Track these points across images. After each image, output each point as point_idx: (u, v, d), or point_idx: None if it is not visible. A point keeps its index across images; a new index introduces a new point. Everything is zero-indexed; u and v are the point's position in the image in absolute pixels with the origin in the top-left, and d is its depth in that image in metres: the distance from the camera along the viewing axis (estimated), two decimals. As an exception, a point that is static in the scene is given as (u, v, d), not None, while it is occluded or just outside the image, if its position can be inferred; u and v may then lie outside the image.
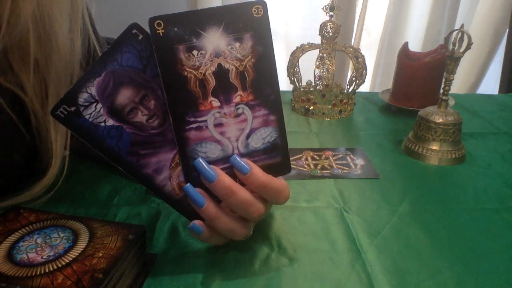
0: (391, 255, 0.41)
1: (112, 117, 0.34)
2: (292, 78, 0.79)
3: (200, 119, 0.35)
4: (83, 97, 0.33)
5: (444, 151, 0.61)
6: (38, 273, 0.31)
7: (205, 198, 0.35)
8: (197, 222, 0.36)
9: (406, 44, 0.82)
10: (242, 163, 0.35)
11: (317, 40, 0.78)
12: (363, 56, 0.76)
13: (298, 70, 0.78)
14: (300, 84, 0.79)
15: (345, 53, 0.76)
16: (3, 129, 0.43)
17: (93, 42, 0.49)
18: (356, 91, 0.78)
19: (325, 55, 0.76)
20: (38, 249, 0.33)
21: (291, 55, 0.79)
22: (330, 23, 0.75)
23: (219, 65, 0.34)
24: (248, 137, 0.36)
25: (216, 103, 0.35)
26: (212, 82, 0.35)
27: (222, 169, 0.36)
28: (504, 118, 0.80)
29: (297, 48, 0.79)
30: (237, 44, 0.35)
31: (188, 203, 0.36)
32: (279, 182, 0.37)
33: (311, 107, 0.79)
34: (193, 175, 0.36)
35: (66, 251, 0.33)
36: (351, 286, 0.38)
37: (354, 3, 1.57)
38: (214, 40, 0.34)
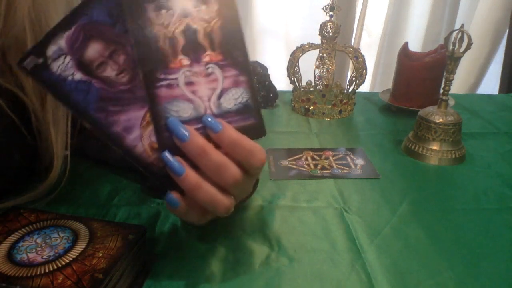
0: (391, 255, 0.41)
1: (81, 70, 0.34)
2: (292, 78, 0.79)
3: (170, 76, 0.35)
4: (52, 50, 0.33)
5: (444, 151, 0.61)
6: (38, 273, 0.31)
7: (184, 167, 0.34)
8: (173, 194, 0.35)
9: (406, 44, 0.82)
10: (214, 120, 0.35)
11: (317, 40, 0.78)
12: (363, 56, 0.76)
13: (298, 70, 0.78)
14: (300, 84, 0.79)
15: (345, 53, 0.76)
16: (3, 130, 0.42)
17: None
18: (356, 91, 0.78)
19: (325, 55, 0.76)
20: (38, 249, 0.33)
21: (291, 55, 0.79)
22: (330, 23, 0.75)
23: (188, 25, 0.35)
24: (220, 97, 0.36)
25: (186, 61, 0.35)
26: (181, 41, 0.35)
27: (195, 129, 0.35)
28: (504, 118, 0.80)
29: (297, 48, 0.79)
30: (204, 7, 0.35)
31: (161, 167, 0.35)
32: (253, 142, 0.36)
33: (311, 107, 0.79)
34: (165, 135, 0.35)
35: (66, 251, 0.33)
36: (351, 286, 0.38)
37: (354, 3, 1.57)
38: (181, 1, 0.35)
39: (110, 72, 0.34)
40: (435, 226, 0.46)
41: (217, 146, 0.35)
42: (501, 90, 1.53)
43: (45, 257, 0.32)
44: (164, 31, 0.35)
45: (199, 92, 0.36)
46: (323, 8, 0.76)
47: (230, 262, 0.40)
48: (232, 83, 0.36)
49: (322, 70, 0.77)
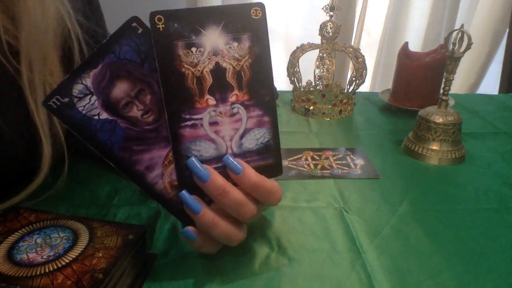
0: (391, 255, 0.41)
1: (107, 110, 0.33)
2: (292, 78, 0.79)
3: (195, 116, 0.35)
4: (77, 88, 0.33)
5: (444, 151, 0.61)
6: (38, 273, 0.31)
7: (201, 205, 0.35)
8: (190, 228, 0.36)
9: (406, 44, 0.82)
10: (235, 163, 0.35)
11: (317, 40, 0.78)
12: (363, 56, 0.76)
13: (298, 70, 0.78)
14: (300, 84, 0.79)
15: (345, 53, 0.76)
16: (9, 123, 0.42)
17: (75, 28, 0.48)
18: (356, 91, 0.78)
19: (325, 55, 0.76)
20: (38, 249, 0.33)
21: (291, 55, 0.79)
22: (330, 23, 0.75)
23: (217, 63, 0.35)
24: (242, 137, 0.36)
25: (212, 101, 0.35)
26: (209, 80, 0.35)
27: (215, 168, 0.35)
28: (504, 118, 0.80)
29: (297, 48, 0.79)
30: (235, 44, 0.35)
31: (179, 202, 0.35)
32: (271, 183, 0.36)
33: (311, 107, 0.79)
34: (186, 174, 0.35)
35: (66, 251, 0.33)
36: (351, 286, 0.38)
37: (354, 3, 1.57)
38: (213, 39, 0.34)
39: (135, 112, 0.34)
40: (435, 226, 0.46)
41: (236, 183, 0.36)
42: (501, 90, 1.53)
43: (45, 257, 0.32)
44: (192, 69, 0.34)
45: (222, 132, 0.36)
46: (323, 8, 0.76)
47: (230, 262, 0.40)
48: (255, 123, 0.36)
49: (322, 70, 0.77)
